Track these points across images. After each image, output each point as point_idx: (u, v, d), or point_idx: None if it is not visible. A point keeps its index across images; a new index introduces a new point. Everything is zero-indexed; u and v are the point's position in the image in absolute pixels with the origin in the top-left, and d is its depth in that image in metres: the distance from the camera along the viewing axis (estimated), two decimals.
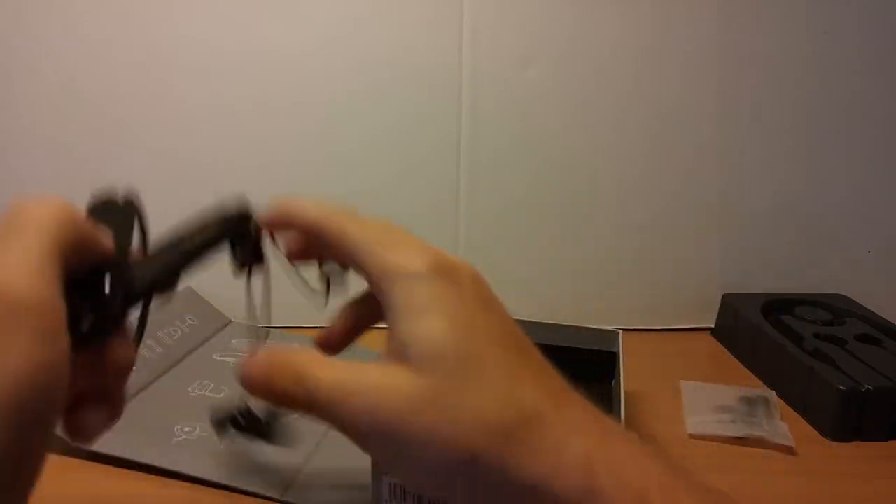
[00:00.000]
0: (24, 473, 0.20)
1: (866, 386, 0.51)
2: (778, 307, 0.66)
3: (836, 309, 0.66)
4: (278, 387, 0.27)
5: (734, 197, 0.69)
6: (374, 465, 0.39)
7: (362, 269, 0.29)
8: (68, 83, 0.63)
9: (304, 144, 0.66)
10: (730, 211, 0.69)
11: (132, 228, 0.28)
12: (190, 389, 0.53)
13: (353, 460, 0.42)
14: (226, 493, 0.43)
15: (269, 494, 0.43)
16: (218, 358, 0.59)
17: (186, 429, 0.48)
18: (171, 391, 0.53)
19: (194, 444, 0.46)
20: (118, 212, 0.28)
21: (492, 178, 0.67)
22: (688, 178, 0.69)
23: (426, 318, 0.25)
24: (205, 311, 0.64)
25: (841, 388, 0.51)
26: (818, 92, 0.67)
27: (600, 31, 0.64)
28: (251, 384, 0.28)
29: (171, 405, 0.51)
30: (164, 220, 0.31)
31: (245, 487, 0.43)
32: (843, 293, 0.69)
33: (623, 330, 0.54)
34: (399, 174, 0.67)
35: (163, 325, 0.59)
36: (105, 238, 0.25)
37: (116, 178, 0.32)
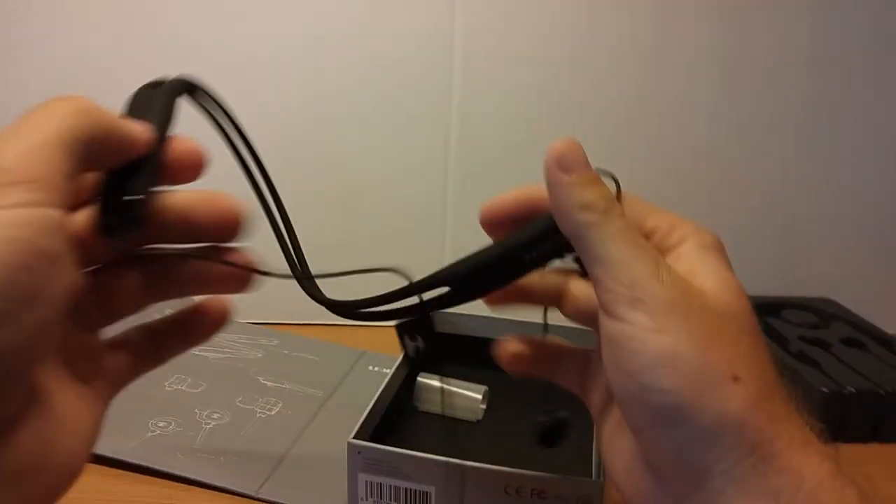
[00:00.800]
0: (19, 362, 0.19)
1: (849, 388, 0.51)
2: (764, 310, 0.66)
3: (822, 312, 0.65)
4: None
5: (721, 199, 0.69)
6: (351, 462, 0.38)
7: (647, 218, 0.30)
8: (66, 83, 0.62)
9: (293, 145, 0.65)
10: (717, 213, 0.69)
11: (172, 111, 0.28)
12: (167, 384, 0.52)
13: (330, 458, 0.42)
14: (199, 489, 0.42)
15: (243, 491, 0.42)
16: (198, 352, 0.58)
17: (161, 424, 0.47)
18: (147, 385, 0.51)
19: (168, 440, 0.46)
20: (158, 95, 0.28)
21: (481, 183, 0.67)
22: (676, 180, 0.68)
23: (720, 272, 0.28)
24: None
25: (823, 389, 0.51)
26: (807, 94, 0.66)
27: (592, 32, 0.64)
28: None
29: (146, 399, 0.50)
30: None
31: (219, 484, 0.42)
32: (829, 297, 0.69)
33: None
34: (388, 175, 0.67)
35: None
36: (142, 130, 0.25)
37: None
